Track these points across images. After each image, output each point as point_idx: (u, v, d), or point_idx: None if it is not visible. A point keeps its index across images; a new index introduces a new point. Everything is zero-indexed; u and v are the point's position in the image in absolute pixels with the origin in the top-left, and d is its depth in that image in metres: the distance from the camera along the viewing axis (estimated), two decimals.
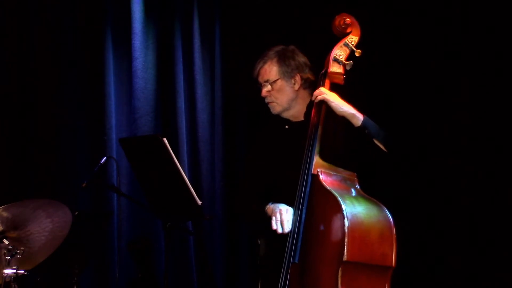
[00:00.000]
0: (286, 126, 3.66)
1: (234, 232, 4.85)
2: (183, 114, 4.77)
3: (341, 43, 3.50)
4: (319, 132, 3.39)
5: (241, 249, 4.84)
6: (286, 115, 3.65)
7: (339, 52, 3.48)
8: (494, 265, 4.02)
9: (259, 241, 3.79)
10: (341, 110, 3.42)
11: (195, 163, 4.81)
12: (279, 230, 3.31)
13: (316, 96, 3.43)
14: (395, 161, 3.48)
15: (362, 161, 3.47)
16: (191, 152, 4.82)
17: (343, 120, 3.48)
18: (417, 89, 4.33)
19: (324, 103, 3.42)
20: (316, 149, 3.35)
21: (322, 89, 3.45)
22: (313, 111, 3.45)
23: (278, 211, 3.34)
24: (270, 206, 3.42)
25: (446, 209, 4.20)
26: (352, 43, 3.49)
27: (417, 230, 4.13)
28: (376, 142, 3.43)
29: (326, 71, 3.48)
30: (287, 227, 3.30)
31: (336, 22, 3.53)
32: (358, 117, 3.41)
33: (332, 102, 3.41)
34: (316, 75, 3.58)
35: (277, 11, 4.78)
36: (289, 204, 3.36)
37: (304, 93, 3.62)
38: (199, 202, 3.72)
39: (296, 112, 3.63)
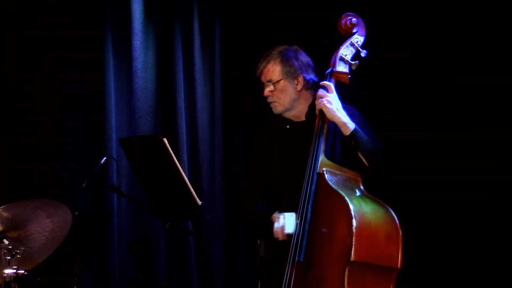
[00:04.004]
0: (287, 126, 3.66)
1: (234, 232, 4.84)
2: (183, 114, 4.77)
3: (347, 43, 3.50)
4: (325, 130, 3.39)
5: (241, 249, 4.83)
6: (288, 115, 3.65)
7: (345, 51, 3.49)
8: (498, 266, 4.03)
9: (259, 241, 3.79)
10: (331, 117, 3.42)
11: (195, 163, 4.81)
12: (280, 237, 3.32)
13: (317, 103, 3.44)
14: (377, 177, 3.48)
15: (357, 159, 3.48)
16: (191, 152, 4.81)
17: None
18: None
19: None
20: (322, 147, 3.35)
21: (322, 92, 3.44)
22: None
23: (281, 216, 3.36)
24: (275, 215, 3.43)
25: (448, 211, 4.21)
26: (358, 43, 3.50)
27: (418, 232, 4.13)
28: (360, 155, 3.44)
29: (332, 70, 3.49)
30: (289, 229, 3.31)
31: (342, 22, 3.53)
32: (348, 127, 3.42)
33: (326, 108, 3.41)
34: (320, 74, 3.59)
35: (277, 10, 4.78)
36: (292, 203, 3.37)
37: (306, 94, 3.62)
38: (199, 202, 3.72)
39: (298, 112, 3.64)
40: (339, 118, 3.41)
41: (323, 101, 3.41)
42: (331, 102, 3.41)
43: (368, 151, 3.43)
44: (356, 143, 3.41)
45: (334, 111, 3.41)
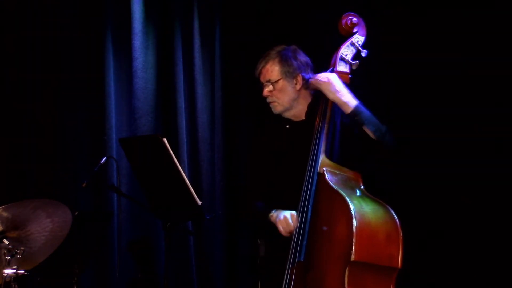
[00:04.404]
0: (287, 126, 3.66)
1: (234, 232, 4.85)
2: (183, 114, 4.77)
3: (347, 43, 3.51)
4: (325, 130, 3.39)
5: (241, 249, 4.84)
6: (287, 115, 3.65)
7: (346, 51, 3.49)
8: (496, 266, 4.02)
9: (259, 241, 3.79)
10: (332, 96, 3.43)
11: (195, 163, 4.81)
12: (287, 234, 3.32)
13: (314, 83, 3.45)
14: (384, 150, 3.47)
15: (356, 159, 3.48)
16: (191, 152, 4.82)
17: (343, 121, 3.51)
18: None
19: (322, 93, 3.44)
20: (322, 147, 3.35)
21: (322, 75, 3.45)
22: (319, 109, 3.46)
23: (282, 217, 3.35)
24: (274, 214, 3.43)
25: (446, 209, 4.21)
26: (359, 42, 3.50)
27: (418, 232, 4.13)
28: (365, 129, 3.43)
29: (333, 70, 3.49)
30: (293, 227, 3.32)
31: (343, 22, 3.54)
32: (349, 105, 3.42)
33: (324, 87, 3.42)
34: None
35: (277, 10, 4.78)
36: (292, 203, 3.37)
37: (305, 93, 3.62)
38: (199, 202, 3.71)
39: (298, 112, 3.64)
40: (340, 97, 3.42)
41: (320, 85, 3.41)
42: (331, 81, 3.41)
43: (373, 124, 3.42)
44: (360, 118, 3.41)
45: (334, 92, 3.41)
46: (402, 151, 3.66)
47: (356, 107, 3.42)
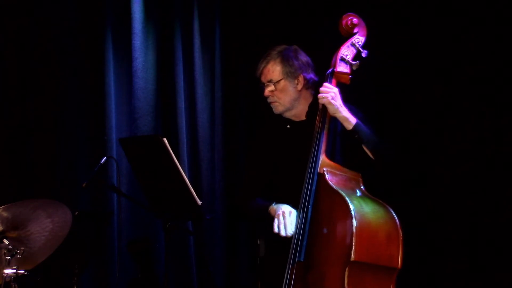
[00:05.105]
0: (288, 126, 3.66)
1: (234, 232, 4.85)
2: (183, 114, 4.77)
3: (348, 43, 3.51)
4: (326, 130, 3.40)
5: (241, 249, 4.84)
6: (288, 115, 3.65)
7: (346, 52, 3.49)
8: (496, 266, 4.02)
9: (259, 241, 3.79)
10: (334, 112, 3.43)
11: (195, 163, 4.81)
12: (282, 233, 3.31)
13: (320, 98, 3.44)
14: (382, 170, 3.49)
15: (357, 159, 3.49)
16: (191, 152, 4.81)
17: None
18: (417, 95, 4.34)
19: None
20: (323, 148, 3.36)
21: (326, 87, 3.44)
22: (319, 109, 3.46)
23: (281, 213, 3.34)
24: (273, 207, 3.42)
25: (446, 209, 4.21)
26: (359, 43, 3.51)
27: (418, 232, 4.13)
28: (364, 148, 3.44)
29: (333, 70, 3.49)
30: (290, 230, 3.30)
31: (343, 22, 3.54)
32: (350, 121, 3.43)
33: (331, 104, 3.41)
34: (319, 74, 3.59)
35: (277, 10, 4.79)
36: (292, 203, 3.37)
37: (306, 93, 3.63)
38: (199, 202, 3.71)
39: (298, 112, 3.64)
40: (341, 113, 3.43)
41: (328, 97, 3.41)
42: (335, 98, 3.41)
43: (372, 144, 3.45)
44: (360, 136, 3.43)
45: (337, 107, 3.42)
46: (401, 165, 3.67)
47: (356, 125, 3.43)
